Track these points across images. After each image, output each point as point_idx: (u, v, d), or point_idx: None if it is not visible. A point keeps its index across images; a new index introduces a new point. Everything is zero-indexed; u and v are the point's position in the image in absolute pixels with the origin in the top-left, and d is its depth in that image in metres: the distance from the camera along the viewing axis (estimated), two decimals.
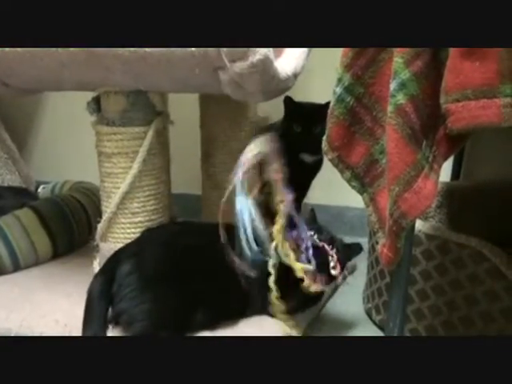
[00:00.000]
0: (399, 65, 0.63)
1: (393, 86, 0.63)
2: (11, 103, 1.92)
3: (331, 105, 0.72)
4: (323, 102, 1.18)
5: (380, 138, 0.71)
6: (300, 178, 1.19)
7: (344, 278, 1.26)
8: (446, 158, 0.66)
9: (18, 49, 0.87)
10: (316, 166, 1.28)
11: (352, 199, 1.50)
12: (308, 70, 1.10)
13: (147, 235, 0.98)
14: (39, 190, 1.65)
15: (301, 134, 1.20)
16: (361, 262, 1.31)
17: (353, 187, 0.75)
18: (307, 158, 1.24)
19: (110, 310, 0.88)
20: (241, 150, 1.21)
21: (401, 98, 0.62)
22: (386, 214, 0.67)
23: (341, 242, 0.98)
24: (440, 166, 0.67)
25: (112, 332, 0.87)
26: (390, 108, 0.63)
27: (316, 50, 1.06)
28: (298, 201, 1.42)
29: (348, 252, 0.98)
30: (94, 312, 0.86)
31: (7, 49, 0.88)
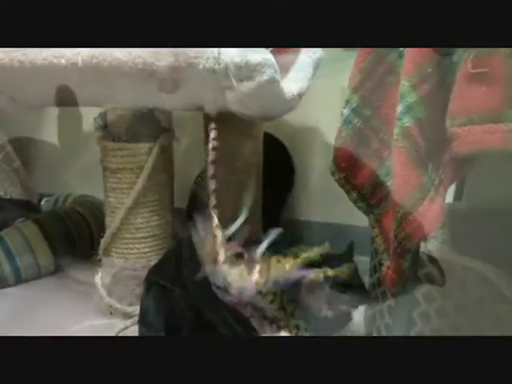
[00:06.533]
0: (406, 88, 0.63)
1: (399, 108, 0.63)
2: (15, 115, 1.93)
3: (339, 126, 0.72)
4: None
5: (386, 160, 0.71)
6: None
7: None
8: (452, 182, 0.67)
9: (27, 65, 0.88)
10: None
11: (353, 218, 1.51)
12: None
13: None
14: (42, 202, 1.65)
15: None
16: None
17: (359, 208, 0.75)
18: None
19: None
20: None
21: (407, 121, 0.63)
22: (391, 235, 0.67)
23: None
24: (446, 190, 0.67)
25: None
26: (396, 131, 0.64)
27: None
28: (276, 214, 1.45)
29: None
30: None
31: (16, 65, 0.89)
